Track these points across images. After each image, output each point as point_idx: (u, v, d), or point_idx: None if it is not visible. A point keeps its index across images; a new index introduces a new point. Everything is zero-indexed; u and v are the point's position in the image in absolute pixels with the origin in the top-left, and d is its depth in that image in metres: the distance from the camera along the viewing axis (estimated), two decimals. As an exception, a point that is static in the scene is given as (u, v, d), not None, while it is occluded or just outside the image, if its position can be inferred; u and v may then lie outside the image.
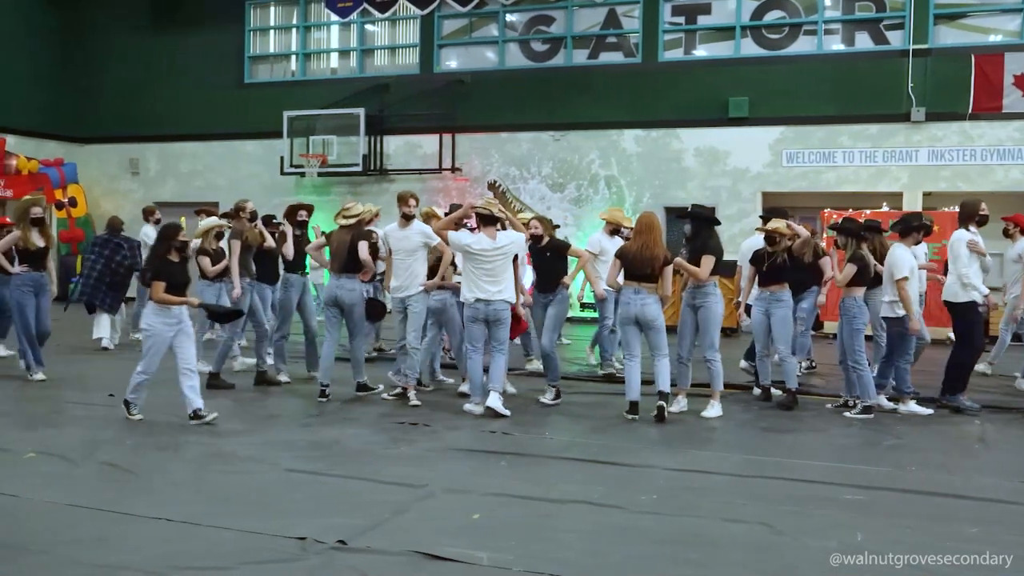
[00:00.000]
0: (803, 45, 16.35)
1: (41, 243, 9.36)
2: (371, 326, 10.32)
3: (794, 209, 12.23)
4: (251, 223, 9.58)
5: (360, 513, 5.00)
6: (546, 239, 8.73)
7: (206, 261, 9.31)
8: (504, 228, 8.03)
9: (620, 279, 7.97)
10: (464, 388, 8.62)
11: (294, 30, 19.83)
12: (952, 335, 9.23)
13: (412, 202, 8.44)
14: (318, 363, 8.80)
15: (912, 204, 15.12)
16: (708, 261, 7.92)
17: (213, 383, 8.89)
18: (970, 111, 15.05)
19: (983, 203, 8.83)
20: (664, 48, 17.06)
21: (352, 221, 8.54)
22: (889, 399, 8.42)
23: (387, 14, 18.50)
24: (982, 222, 8.75)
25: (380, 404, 8.38)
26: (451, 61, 18.73)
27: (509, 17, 18.16)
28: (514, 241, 7.91)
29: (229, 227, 9.50)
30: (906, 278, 7.93)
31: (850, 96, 15.73)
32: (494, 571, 4.19)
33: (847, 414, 8.10)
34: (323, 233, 9.13)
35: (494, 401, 7.76)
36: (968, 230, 8.55)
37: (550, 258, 8.67)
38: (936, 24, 15.58)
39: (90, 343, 11.68)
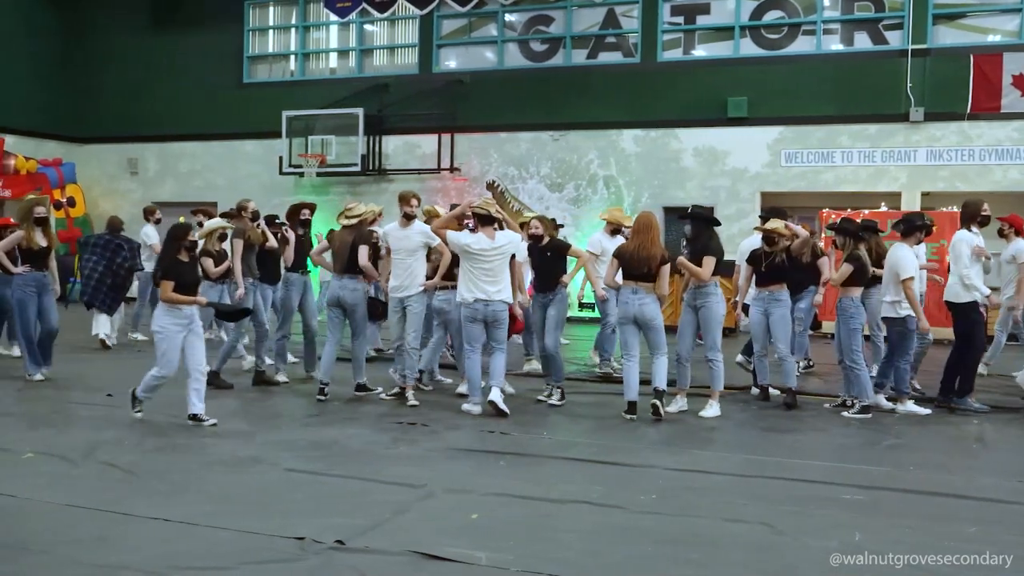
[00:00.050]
0: (802, 45, 16.37)
1: (44, 243, 9.36)
2: (374, 327, 10.31)
3: (793, 209, 12.23)
4: (253, 223, 9.58)
5: (360, 513, 5.00)
6: (546, 239, 8.73)
7: (209, 262, 9.30)
8: (502, 228, 8.03)
9: (619, 278, 7.98)
10: (462, 388, 8.62)
11: (293, 30, 19.84)
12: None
13: (414, 202, 8.44)
14: (316, 363, 8.79)
15: (910, 204, 15.15)
16: (709, 262, 7.93)
17: (212, 382, 8.87)
18: (969, 111, 15.09)
19: (985, 203, 8.84)
20: (663, 48, 17.08)
21: (354, 221, 8.54)
22: (888, 399, 8.43)
23: (386, 14, 18.50)
24: (984, 222, 8.76)
25: (380, 404, 8.38)
26: (450, 61, 18.73)
27: (508, 17, 18.17)
28: (511, 241, 7.94)
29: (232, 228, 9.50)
30: (912, 278, 7.95)
31: (849, 96, 15.76)
32: (493, 571, 4.19)
33: (845, 414, 8.11)
34: (325, 237, 9.12)
35: (495, 395, 7.77)
36: (970, 230, 8.56)
37: (550, 258, 8.67)
38: (935, 24, 15.61)
39: (90, 343, 11.67)
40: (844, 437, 7.39)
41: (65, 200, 18.80)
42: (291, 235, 9.67)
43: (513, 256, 8.09)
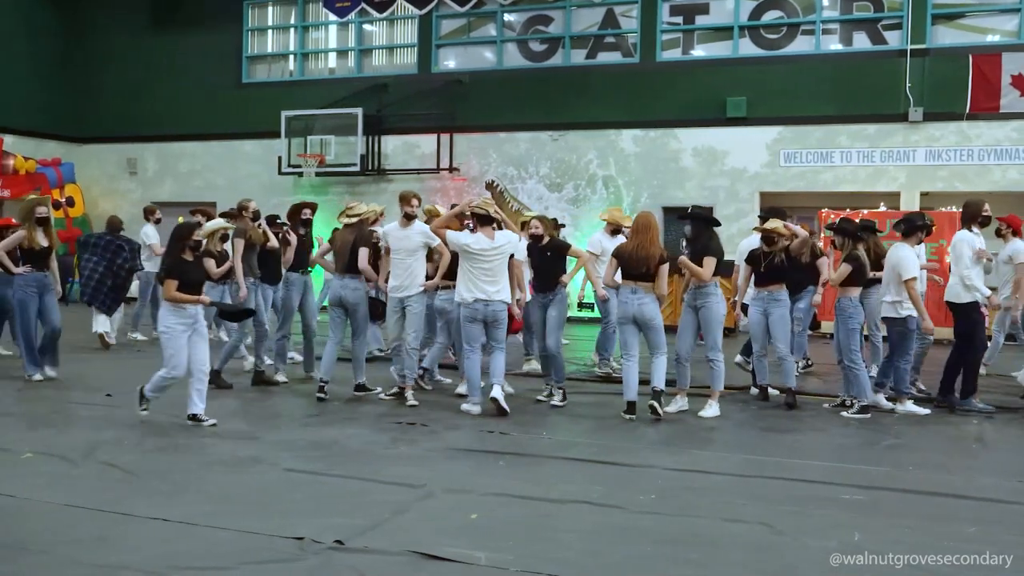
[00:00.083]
0: (801, 45, 16.37)
1: (45, 243, 9.35)
2: (374, 327, 10.31)
3: (792, 209, 12.24)
4: (254, 223, 9.58)
5: (360, 513, 5.00)
6: (546, 239, 8.74)
7: (210, 263, 9.29)
8: (500, 228, 8.04)
9: (618, 278, 7.99)
10: (462, 389, 8.62)
11: (292, 30, 19.83)
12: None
13: (415, 202, 8.44)
14: (315, 363, 8.78)
15: (910, 204, 15.15)
16: (710, 262, 7.94)
17: (212, 381, 8.86)
18: (968, 111, 15.08)
19: (986, 204, 8.84)
20: (662, 48, 17.08)
21: (355, 220, 8.54)
22: (887, 399, 8.43)
23: (385, 14, 18.49)
24: (985, 223, 8.77)
25: (379, 404, 8.38)
26: (449, 61, 18.73)
27: (507, 17, 18.17)
28: (510, 241, 7.97)
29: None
30: (915, 278, 7.96)
31: (848, 96, 15.76)
32: (493, 571, 4.19)
33: (844, 414, 8.12)
34: (327, 240, 9.12)
35: (497, 393, 7.78)
36: (971, 230, 8.56)
37: (550, 258, 8.67)
38: (934, 24, 15.61)
39: (90, 343, 11.67)
40: (843, 437, 7.39)
41: (64, 200, 18.78)
42: (292, 237, 9.66)
43: (512, 256, 8.10)
